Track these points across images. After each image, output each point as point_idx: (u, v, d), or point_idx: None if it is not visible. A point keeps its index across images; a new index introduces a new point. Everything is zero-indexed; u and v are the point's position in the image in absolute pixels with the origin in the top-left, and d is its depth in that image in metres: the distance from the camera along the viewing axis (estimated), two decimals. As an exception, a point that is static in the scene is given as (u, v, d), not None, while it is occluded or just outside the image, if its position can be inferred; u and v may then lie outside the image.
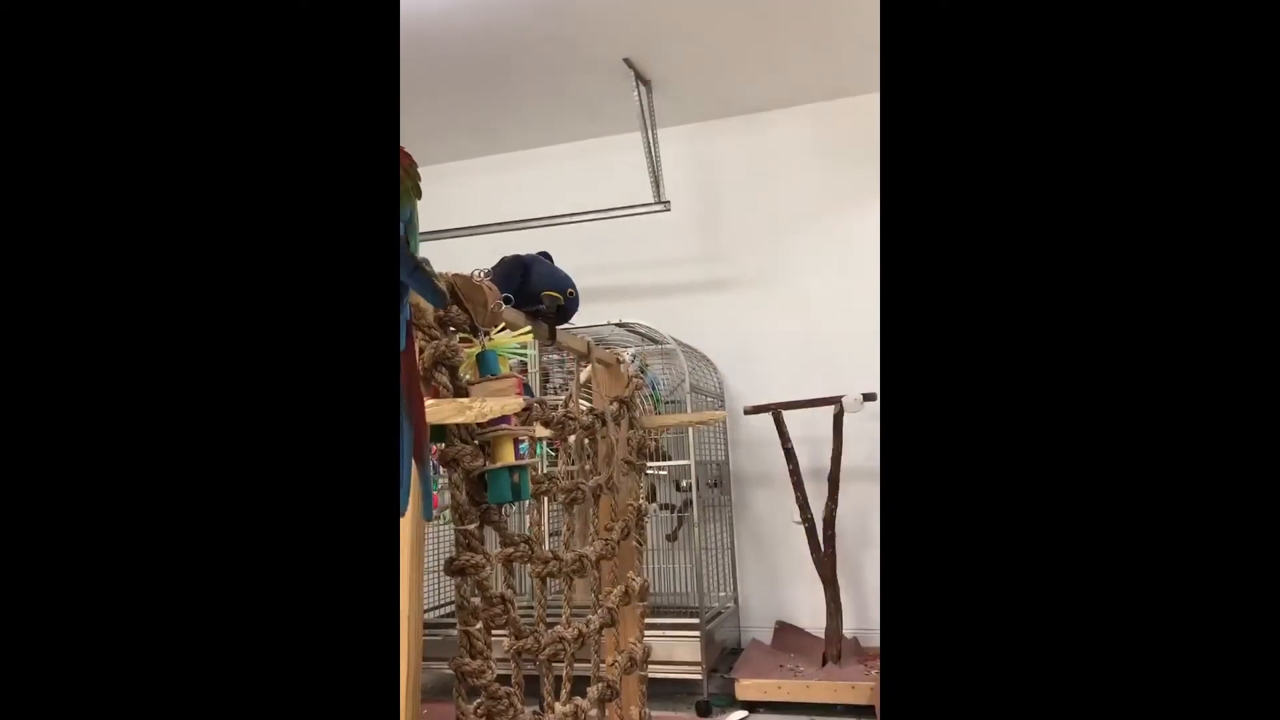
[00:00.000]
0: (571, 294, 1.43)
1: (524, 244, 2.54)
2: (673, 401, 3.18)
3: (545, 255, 1.50)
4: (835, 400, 2.96)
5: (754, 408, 3.08)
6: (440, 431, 1.04)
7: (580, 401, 1.58)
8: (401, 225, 0.95)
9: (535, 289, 1.39)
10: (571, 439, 1.49)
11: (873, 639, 3.08)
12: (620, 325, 3.16)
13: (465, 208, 3.69)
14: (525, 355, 1.32)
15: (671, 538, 3.26)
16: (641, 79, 3.21)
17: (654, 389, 3.12)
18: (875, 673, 2.72)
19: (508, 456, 1.07)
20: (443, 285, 1.07)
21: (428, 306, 1.02)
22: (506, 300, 1.23)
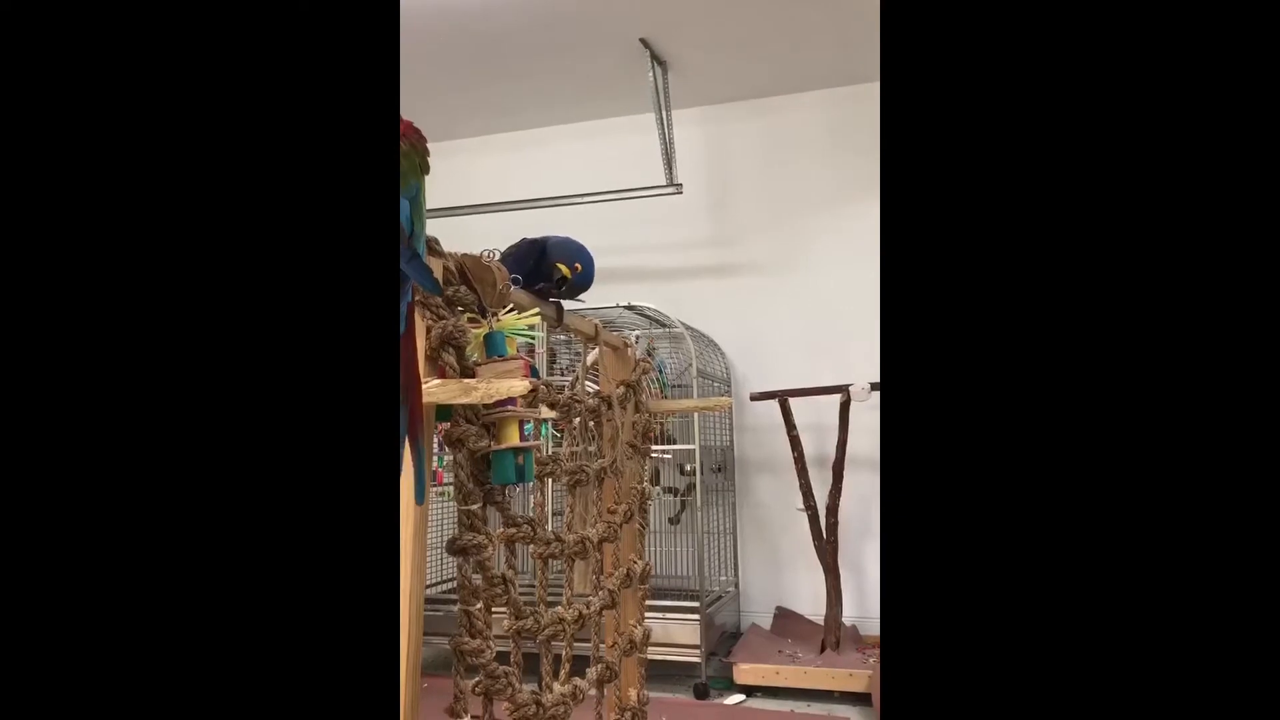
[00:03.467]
0: (579, 268, 1.41)
1: (535, 222, 2.54)
2: (679, 385, 3.18)
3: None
4: (842, 389, 2.95)
5: (760, 394, 3.08)
6: (446, 411, 1.04)
7: (586, 384, 1.58)
8: (406, 203, 0.94)
9: (549, 265, 1.39)
10: (576, 421, 1.49)
11: (872, 627, 3.09)
12: (629, 308, 3.15)
13: (477, 185, 3.68)
14: (533, 337, 1.32)
15: (674, 521, 3.27)
16: (657, 60, 3.19)
17: (661, 373, 3.12)
18: (873, 661, 2.73)
19: (513, 438, 1.07)
20: (451, 264, 1.06)
21: (435, 287, 1.01)
22: (515, 281, 1.23)
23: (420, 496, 0.93)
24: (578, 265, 1.41)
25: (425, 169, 1.00)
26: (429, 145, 1.01)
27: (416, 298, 0.97)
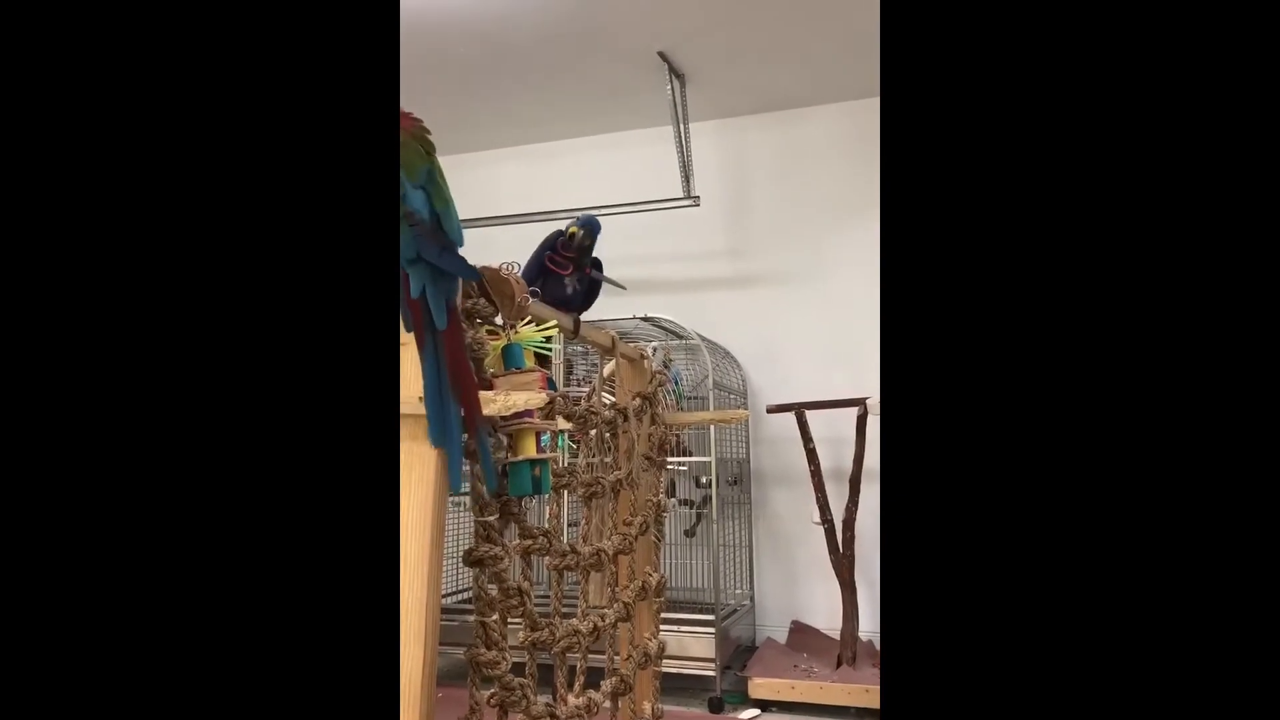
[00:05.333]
0: (579, 223, 1.57)
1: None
2: (695, 397, 3.18)
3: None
4: (860, 402, 2.94)
5: (777, 406, 3.07)
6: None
7: (603, 396, 1.58)
8: (418, 193, 0.91)
9: (563, 239, 1.49)
10: (593, 433, 1.49)
11: (889, 643, 3.06)
12: (645, 320, 3.16)
13: (496, 197, 3.70)
14: (550, 349, 1.33)
15: (690, 534, 3.26)
16: (675, 72, 3.20)
17: (677, 384, 3.12)
18: (890, 677, 2.71)
19: (529, 449, 1.07)
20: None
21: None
22: (534, 293, 1.24)
23: (491, 484, 0.99)
24: (577, 226, 1.59)
25: (430, 147, 0.96)
26: (444, 156, 0.99)
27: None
